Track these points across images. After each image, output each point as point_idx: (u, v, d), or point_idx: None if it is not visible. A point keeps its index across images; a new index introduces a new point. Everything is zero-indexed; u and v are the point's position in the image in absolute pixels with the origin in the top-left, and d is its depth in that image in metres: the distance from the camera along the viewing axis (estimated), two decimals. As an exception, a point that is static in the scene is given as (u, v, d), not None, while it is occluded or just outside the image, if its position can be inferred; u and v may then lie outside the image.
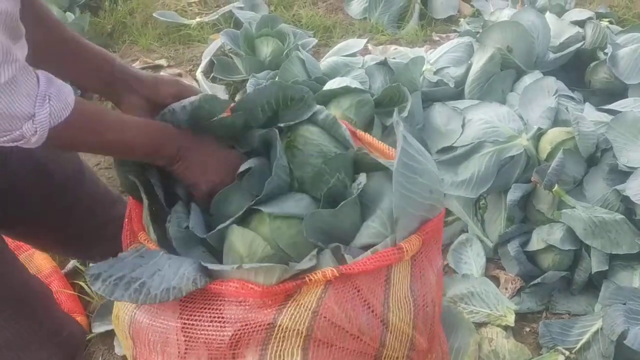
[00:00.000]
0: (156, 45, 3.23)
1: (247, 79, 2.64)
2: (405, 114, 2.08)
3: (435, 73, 2.40)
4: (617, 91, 2.30)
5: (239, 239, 0.99)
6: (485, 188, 1.99)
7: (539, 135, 2.03)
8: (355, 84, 2.20)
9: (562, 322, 1.77)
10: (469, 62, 2.39)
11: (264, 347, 0.92)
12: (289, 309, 0.91)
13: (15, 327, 1.27)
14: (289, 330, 0.91)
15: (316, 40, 3.05)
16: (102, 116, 0.99)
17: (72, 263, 2.05)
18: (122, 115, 1.08)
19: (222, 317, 0.92)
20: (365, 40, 2.88)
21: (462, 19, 3.27)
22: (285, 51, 2.72)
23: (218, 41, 3.01)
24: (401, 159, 0.97)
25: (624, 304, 1.67)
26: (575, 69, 2.47)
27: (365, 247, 0.99)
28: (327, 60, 2.58)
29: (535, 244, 1.89)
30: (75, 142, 0.99)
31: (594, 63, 2.40)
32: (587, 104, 2.16)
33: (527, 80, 2.25)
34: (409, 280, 1.01)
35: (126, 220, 1.12)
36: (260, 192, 1.05)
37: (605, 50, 2.39)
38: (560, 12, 2.74)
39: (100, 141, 0.99)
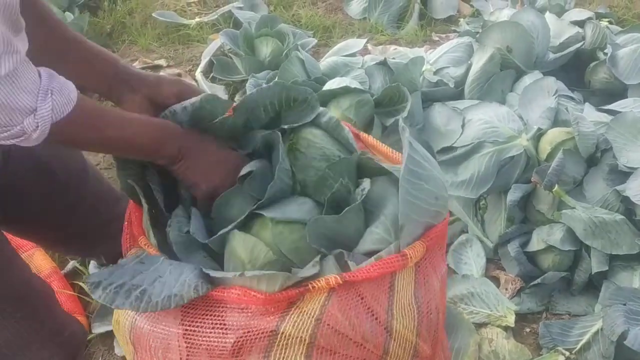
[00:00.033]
0: (155, 45, 3.22)
1: (247, 79, 2.64)
2: (405, 114, 2.07)
3: (435, 73, 2.40)
4: (616, 91, 2.30)
5: (241, 244, 0.99)
6: (485, 188, 1.99)
7: (538, 135, 2.03)
8: (355, 84, 2.19)
9: (562, 323, 1.77)
10: (469, 62, 2.39)
11: (266, 355, 0.92)
12: (292, 317, 0.91)
13: (15, 327, 1.26)
14: (292, 338, 0.91)
15: (316, 41, 3.05)
16: (103, 112, 0.98)
17: (71, 264, 2.04)
18: (124, 112, 1.07)
19: (224, 324, 0.92)
20: (365, 40, 2.88)
21: (461, 19, 3.27)
22: (285, 51, 2.72)
23: (217, 41, 3.01)
24: (407, 165, 0.96)
25: (624, 304, 1.67)
26: (575, 69, 2.47)
27: (369, 253, 0.98)
28: (327, 61, 2.58)
29: (535, 244, 1.89)
30: (77, 139, 0.97)
31: (593, 63, 2.40)
32: (586, 104, 2.16)
33: (526, 80, 2.25)
34: (413, 287, 1.00)
35: (126, 223, 1.11)
36: (262, 195, 1.04)
37: (605, 51, 2.39)
38: (559, 12, 2.74)
39: (101, 137, 0.97)
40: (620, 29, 2.70)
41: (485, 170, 1.98)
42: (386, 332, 0.97)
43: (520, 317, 1.83)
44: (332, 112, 1.27)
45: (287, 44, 2.78)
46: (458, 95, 2.33)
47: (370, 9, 3.34)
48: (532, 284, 1.87)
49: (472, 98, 2.28)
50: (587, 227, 1.80)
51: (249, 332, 0.91)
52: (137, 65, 3.01)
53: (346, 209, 0.99)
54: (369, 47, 2.93)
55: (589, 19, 2.61)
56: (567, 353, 1.68)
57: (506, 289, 1.90)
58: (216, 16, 3.34)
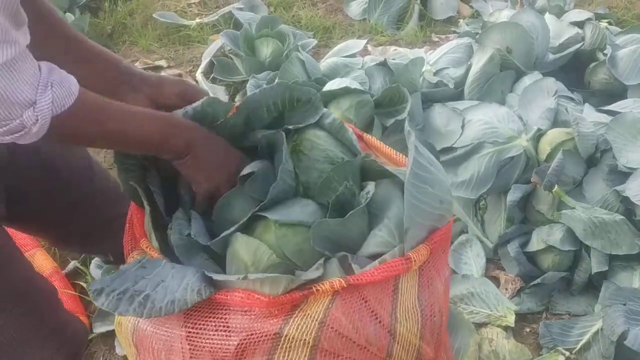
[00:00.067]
0: (156, 46, 3.23)
1: (247, 80, 2.64)
2: (405, 114, 2.08)
3: (434, 74, 2.41)
4: (616, 92, 2.30)
5: (244, 246, 0.98)
6: (485, 189, 2.00)
7: (538, 136, 2.03)
8: (355, 85, 2.20)
9: (562, 323, 1.78)
10: (469, 63, 2.40)
11: (269, 357, 0.92)
12: (296, 319, 0.91)
13: (17, 324, 1.26)
14: (296, 341, 0.91)
15: (316, 41, 3.06)
16: (105, 105, 0.95)
17: (72, 263, 2.05)
18: (128, 105, 1.03)
19: (228, 327, 0.92)
20: (365, 41, 2.88)
21: (461, 20, 3.28)
22: (285, 52, 2.72)
23: (218, 42, 3.01)
24: (413, 169, 0.96)
25: (624, 304, 1.67)
26: (575, 70, 2.48)
27: (373, 256, 0.98)
28: (327, 61, 2.58)
29: (535, 244, 1.89)
30: (78, 133, 0.93)
31: (593, 64, 2.41)
32: (586, 104, 2.17)
33: (526, 81, 2.26)
34: (416, 290, 1.00)
35: (127, 225, 1.11)
36: (263, 196, 1.03)
37: (605, 51, 2.39)
38: (559, 13, 2.74)
39: (103, 131, 0.94)
40: (619, 29, 2.71)
41: (485, 170, 1.99)
42: (390, 335, 0.97)
43: (520, 317, 1.84)
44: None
45: (288, 44, 2.78)
46: (458, 96, 2.34)
47: (370, 10, 3.35)
48: (532, 284, 1.88)
49: (472, 99, 2.28)
50: (586, 227, 1.80)
51: (252, 334, 0.91)
52: (137, 66, 3.01)
53: (351, 212, 0.98)
54: (369, 48, 2.93)
55: (589, 19, 2.61)
56: (567, 353, 1.68)
57: (506, 289, 1.90)
58: (217, 17, 3.34)
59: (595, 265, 1.80)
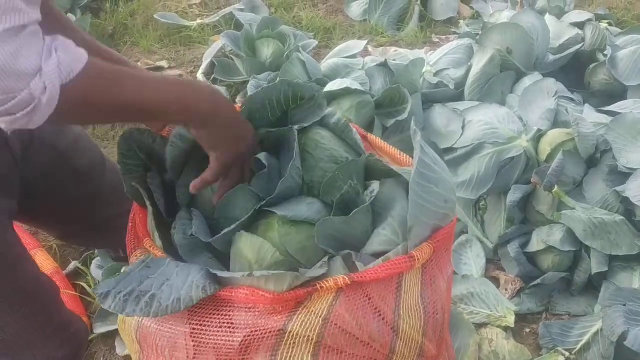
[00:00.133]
0: (157, 47, 3.24)
1: (248, 81, 2.64)
2: (405, 115, 2.08)
3: (435, 75, 2.41)
4: (616, 93, 2.31)
5: (248, 245, 0.99)
6: (485, 189, 2.00)
7: (538, 136, 2.03)
8: (355, 86, 2.20)
9: (562, 323, 1.78)
10: (469, 63, 2.40)
11: (273, 353, 0.92)
12: (300, 316, 0.91)
13: (23, 322, 1.27)
14: (300, 337, 0.91)
15: (316, 42, 3.06)
16: (120, 71, 0.89)
17: (73, 264, 2.05)
18: (141, 70, 1.00)
19: (232, 323, 0.92)
20: (366, 42, 2.89)
21: (461, 21, 3.28)
22: (286, 53, 2.73)
23: (219, 43, 3.02)
24: (418, 169, 0.97)
25: (624, 305, 1.68)
26: (575, 71, 2.48)
27: (377, 255, 0.98)
28: (328, 62, 2.59)
29: (535, 245, 1.90)
30: (95, 103, 0.85)
31: (593, 65, 2.41)
32: (586, 105, 2.17)
33: (526, 81, 2.26)
34: (419, 288, 1.01)
35: (130, 225, 1.11)
36: (266, 194, 1.03)
37: (605, 52, 2.40)
38: (559, 14, 2.75)
39: (121, 100, 0.86)
40: (619, 30, 2.72)
41: (485, 171, 1.99)
42: (393, 332, 0.98)
43: (520, 317, 1.84)
44: (334, 114, 1.27)
45: (288, 45, 2.79)
46: (458, 96, 2.34)
47: (370, 11, 3.36)
48: (532, 284, 1.88)
49: (472, 99, 2.29)
50: (586, 227, 1.80)
51: (256, 331, 0.91)
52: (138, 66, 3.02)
53: (355, 210, 0.99)
54: (370, 48, 2.94)
55: (589, 20, 2.62)
56: (567, 353, 1.69)
57: (506, 290, 1.90)
58: (217, 18, 3.35)
59: (595, 265, 1.80)
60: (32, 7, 0.78)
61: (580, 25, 2.57)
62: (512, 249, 1.91)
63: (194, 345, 0.94)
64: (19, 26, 0.75)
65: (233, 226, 1.01)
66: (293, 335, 0.91)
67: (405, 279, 0.98)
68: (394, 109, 2.15)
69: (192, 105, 0.94)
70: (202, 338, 0.93)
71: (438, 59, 2.50)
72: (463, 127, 2.13)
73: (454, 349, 1.66)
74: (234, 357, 0.92)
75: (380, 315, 0.96)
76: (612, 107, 2.14)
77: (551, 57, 2.41)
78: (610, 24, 2.77)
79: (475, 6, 3.30)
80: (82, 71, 0.80)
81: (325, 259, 0.97)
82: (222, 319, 0.93)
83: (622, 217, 1.80)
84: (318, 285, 0.91)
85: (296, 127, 1.10)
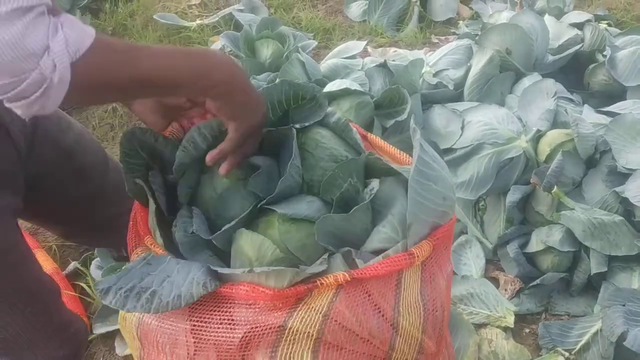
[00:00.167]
0: (156, 47, 3.24)
1: (248, 81, 2.64)
2: (404, 116, 2.09)
3: (434, 75, 2.41)
4: (615, 93, 2.31)
5: (248, 242, 0.99)
6: (484, 190, 2.00)
7: (538, 137, 2.04)
8: (355, 86, 2.20)
9: (562, 324, 1.78)
10: (468, 64, 2.41)
11: (273, 349, 0.92)
12: (300, 312, 0.91)
13: (24, 322, 1.27)
14: (300, 333, 0.92)
15: (316, 43, 3.06)
16: (130, 44, 0.87)
17: (73, 264, 2.05)
18: (150, 44, 0.98)
19: (232, 319, 0.92)
20: (365, 42, 2.89)
21: (461, 22, 3.29)
22: (285, 53, 2.73)
23: (218, 43, 3.02)
24: (417, 166, 0.97)
25: (623, 305, 1.68)
26: (574, 71, 2.48)
27: (376, 252, 0.99)
28: (327, 63, 2.59)
29: (535, 245, 1.90)
30: (108, 80, 0.83)
31: (592, 65, 2.41)
32: (586, 105, 2.18)
33: (526, 82, 2.26)
34: (419, 285, 1.01)
35: (131, 223, 1.11)
36: (265, 193, 1.04)
37: (604, 53, 2.40)
38: (558, 14, 2.75)
39: (136, 74, 0.84)
40: (619, 31, 2.72)
41: (485, 171, 1.99)
42: (392, 329, 0.98)
43: (520, 317, 1.84)
44: (334, 114, 1.27)
45: (288, 46, 2.79)
46: (457, 97, 2.34)
47: (370, 12, 3.36)
48: (531, 284, 1.88)
49: (471, 100, 2.29)
50: (586, 228, 1.80)
51: (256, 327, 0.91)
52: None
53: (355, 207, 0.99)
54: (369, 49, 2.94)
55: (588, 21, 2.62)
56: (567, 354, 1.69)
57: (505, 290, 1.91)
58: (217, 18, 3.35)
59: (595, 266, 1.81)
60: None
61: (580, 26, 2.58)
62: (512, 249, 1.91)
63: (195, 342, 0.94)
64: (27, 7, 0.73)
65: (233, 222, 1.01)
66: (293, 332, 0.91)
67: (404, 276, 0.99)
68: (393, 109, 2.15)
69: (209, 74, 0.91)
70: (202, 334, 0.94)
71: (437, 60, 2.50)
72: (462, 128, 2.13)
73: (454, 349, 1.67)
74: (235, 354, 0.93)
75: (379, 311, 0.96)
76: (611, 108, 2.15)
77: (550, 58, 2.41)
78: (609, 25, 2.77)
79: (474, 7, 3.30)
80: (91, 46, 0.78)
81: (325, 255, 0.98)
82: (223, 315, 0.93)
83: (621, 218, 1.80)
84: (318, 282, 0.92)
85: (297, 126, 1.10)
